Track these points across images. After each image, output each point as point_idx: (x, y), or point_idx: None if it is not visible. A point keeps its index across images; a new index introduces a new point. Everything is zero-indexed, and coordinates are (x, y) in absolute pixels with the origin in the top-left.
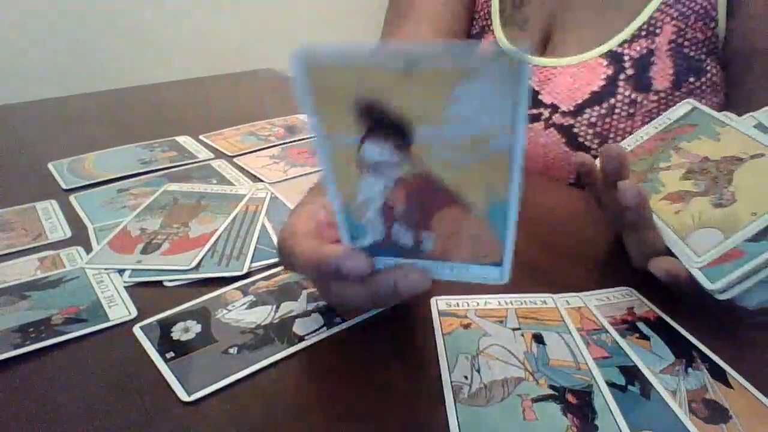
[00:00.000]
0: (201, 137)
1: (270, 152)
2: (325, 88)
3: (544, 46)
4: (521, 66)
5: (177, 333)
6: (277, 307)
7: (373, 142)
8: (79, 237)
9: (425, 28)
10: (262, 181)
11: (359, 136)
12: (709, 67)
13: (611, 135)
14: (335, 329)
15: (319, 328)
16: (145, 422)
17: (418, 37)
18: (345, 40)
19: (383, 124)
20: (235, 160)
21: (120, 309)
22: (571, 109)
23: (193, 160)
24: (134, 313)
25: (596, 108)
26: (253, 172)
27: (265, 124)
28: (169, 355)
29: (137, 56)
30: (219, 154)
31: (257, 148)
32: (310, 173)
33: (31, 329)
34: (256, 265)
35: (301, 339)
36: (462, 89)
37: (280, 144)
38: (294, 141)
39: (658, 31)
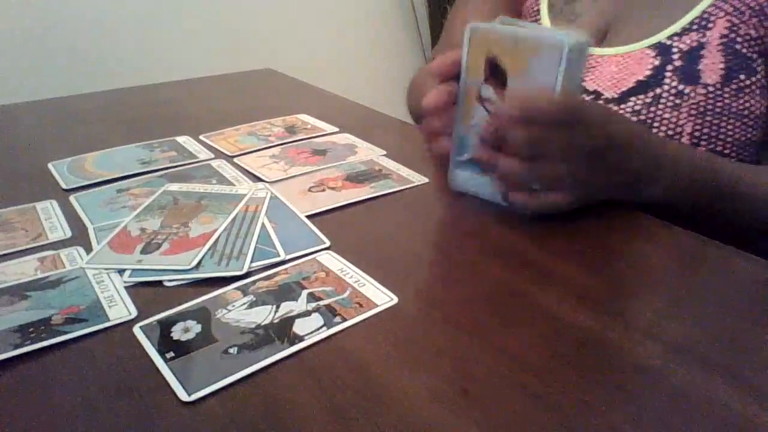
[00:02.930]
0: (201, 137)
1: (270, 152)
2: (475, 47)
3: (599, 42)
4: (563, 48)
5: (177, 333)
6: (277, 307)
7: (487, 84)
8: (79, 237)
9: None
10: (262, 180)
11: (482, 80)
12: (760, 68)
13: (655, 124)
14: (335, 329)
15: (319, 328)
16: (145, 422)
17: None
18: (344, 40)
19: (495, 72)
20: (235, 160)
21: (120, 309)
22: (615, 96)
23: (193, 160)
24: (134, 313)
25: (641, 97)
26: (253, 171)
27: (265, 124)
28: (169, 355)
29: (137, 56)
30: (219, 154)
31: (257, 148)
32: (311, 172)
33: (31, 329)
34: (256, 264)
35: (301, 339)
36: (534, 59)
37: (280, 144)
38: (294, 141)
39: (710, 25)
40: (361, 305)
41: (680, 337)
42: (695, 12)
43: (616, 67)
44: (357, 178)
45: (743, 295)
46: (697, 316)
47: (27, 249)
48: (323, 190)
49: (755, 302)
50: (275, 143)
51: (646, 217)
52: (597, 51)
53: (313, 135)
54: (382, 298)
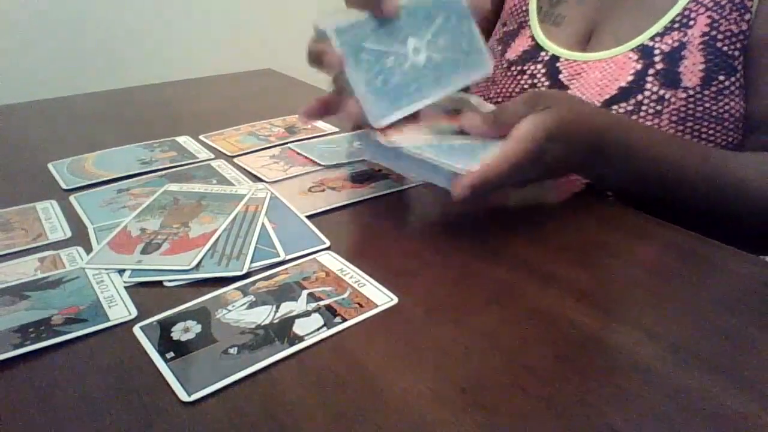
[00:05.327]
0: (201, 137)
1: (270, 152)
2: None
3: (585, 44)
4: None
5: (177, 333)
6: (277, 307)
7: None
8: (79, 237)
9: None
10: (262, 180)
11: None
12: (740, 66)
13: None
14: (335, 329)
15: (319, 328)
16: (145, 422)
17: None
18: None
19: None
20: (235, 160)
21: (120, 309)
22: (598, 105)
23: (193, 160)
24: (134, 313)
25: (623, 105)
26: (253, 171)
27: (265, 124)
28: (169, 355)
29: (137, 56)
30: (219, 154)
31: (257, 148)
32: (310, 172)
33: (31, 329)
34: (256, 265)
35: (301, 339)
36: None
37: (280, 144)
38: (294, 141)
39: (691, 23)
40: (361, 305)
41: (680, 337)
42: (676, 9)
43: (600, 74)
44: (357, 178)
45: (743, 295)
46: (697, 316)
47: (27, 249)
48: (323, 190)
49: (755, 302)
50: (275, 143)
51: (646, 217)
52: (582, 57)
53: (313, 135)
54: (382, 298)
